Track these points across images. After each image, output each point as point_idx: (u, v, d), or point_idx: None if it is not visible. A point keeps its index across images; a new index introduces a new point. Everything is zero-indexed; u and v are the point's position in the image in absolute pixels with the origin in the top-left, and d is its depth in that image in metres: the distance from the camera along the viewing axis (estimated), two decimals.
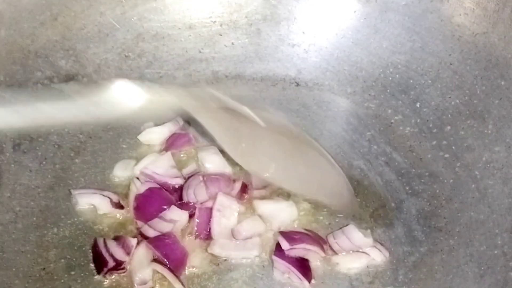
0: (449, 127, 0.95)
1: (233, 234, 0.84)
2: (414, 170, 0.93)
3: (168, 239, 0.83)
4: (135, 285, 0.80)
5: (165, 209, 0.86)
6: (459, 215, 0.87)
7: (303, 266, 0.82)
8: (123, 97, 0.74)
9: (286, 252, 0.82)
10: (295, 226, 0.86)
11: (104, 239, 0.83)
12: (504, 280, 0.78)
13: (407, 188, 0.91)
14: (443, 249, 0.84)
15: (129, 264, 0.82)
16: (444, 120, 0.96)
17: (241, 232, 0.84)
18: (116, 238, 0.84)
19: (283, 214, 0.87)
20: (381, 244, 0.84)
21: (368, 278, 0.82)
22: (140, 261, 0.82)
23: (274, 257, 0.82)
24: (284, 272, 0.81)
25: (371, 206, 0.89)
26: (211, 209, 0.86)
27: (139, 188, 0.88)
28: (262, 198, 0.89)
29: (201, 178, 0.89)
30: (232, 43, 1.07)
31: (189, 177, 0.90)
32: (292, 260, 0.82)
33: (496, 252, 0.81)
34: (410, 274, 0.82)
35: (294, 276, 0.81)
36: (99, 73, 1.02)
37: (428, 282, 0.81)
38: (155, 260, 0.82)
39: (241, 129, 0.82)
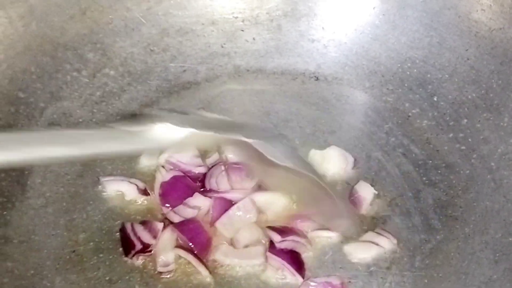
0: (465, 120, 0.97)
1: (233, 243, 0.85)
2: (431, 161, 0.96)
3: (193, 224, 0.86)
4: (158, 266, 0.83)
5: (189, 196, 0.89)
6: (474, 205, 0.89)
7: (296, 262, 0.83)
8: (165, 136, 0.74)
9: (277, 245, 0.83)
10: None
11: (132, 223, 0.86)
12: None
13: (424, 178, 0.94)
14: (459, 237, 0.86)
15: (155, 247, 0.85)
16: (461, 113, 0.98)
17: (240, 241, 0.85)
18: (143, 223, 0.87)
19: (275, 204, 0.89)
20: (388, 232, 0.87)
21: (385, 264, 0.84)
22: (165, 245, 0.84)
23: (269, 254, 0.83)
24: (278, 269, 0.83)
25: (388, 195, 0.92)
26: (229, 201, 0.88)
27: (164, 176, 0.91)
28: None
29: (223, 167, 0.92)
30: (254, 38, 1.10)
31: (212, 166, 0.93)
32: (286, 256, 0.83)
33: (510, 239, 0.83)
34: (426, 260, 0.84)
35: (288, 272, 0.83)
36: (125, 66, 1.05)
37: (444, 268, 0.83)
38: (179, 246, 0.85)
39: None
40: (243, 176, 0.91)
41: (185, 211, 0.88)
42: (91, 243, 0.86)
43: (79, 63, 1.02)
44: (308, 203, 0.88)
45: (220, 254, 0.84)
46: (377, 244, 0.85)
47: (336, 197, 0.83)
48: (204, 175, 0.92)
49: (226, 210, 0.87)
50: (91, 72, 1.03)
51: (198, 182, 0.92)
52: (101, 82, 1.03)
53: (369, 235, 0.86)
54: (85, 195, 0.91)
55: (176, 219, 0.87)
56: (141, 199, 0.90)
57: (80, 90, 1.01)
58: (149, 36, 1.07)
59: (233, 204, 0.87)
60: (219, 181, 0.91)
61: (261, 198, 0.89)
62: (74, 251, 0.85)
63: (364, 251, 0.85)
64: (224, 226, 0.86)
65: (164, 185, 0.91)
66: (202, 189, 0.91)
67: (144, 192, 0.90)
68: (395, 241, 0.86)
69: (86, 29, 1.03)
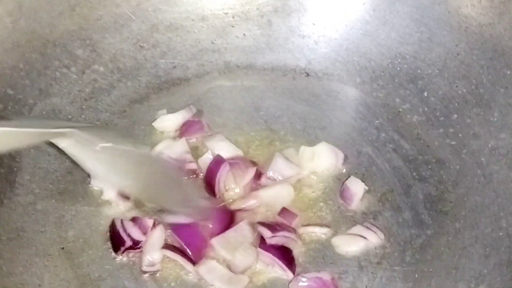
0: (455, 115, 0.97)
1: (230, 268, 0.83)
2: (421, 156, 0.96)
3: (191, 229, 0.85)
4: (143, 265, 0.82)
5: None
6: (465, 200, 0.89)
7: (286, 257, 0.83)
8: None
9: (268, 241, 0.83)
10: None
11: (122, 220, 0.86)
12: (508, 260, 0.80)
13: (414, 174, 0.94)
14: (449, 232, 0.86)
15: (143, 245, 0.84)
16: (451, 109, 0.98)
17: (238, 265, 0.83)
18: (133, 219, 0.86)
19: (282, 195, 0.89)
20: (376, 227, 0.87)
21: (375, 259, 0.84)
22: (153, 244, 0.84)
23: (259, 249, 0.83)
24: (269, 264, 0.83)
25: (379, 191, 0.92)
26: (231, 213, 0.88)
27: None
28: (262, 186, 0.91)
29: (228, 167, 0.90)
30: (244, 34, 1.10)
31: (212, 168, 0.91)
32: (276, 252, 0.83)
33: (501, 234, 0.83)
34: (417, 255, 0.84)
35: (278, 267, 0.82)
36: (114, 62, 1.05)
37: (435, 263, 0.83)
38: (167, 246, 0.84)
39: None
40: (244, 170, 0.91)
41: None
42: (80, 240, 0.86)
43: (68, 59, 1.02)
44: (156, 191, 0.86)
45: (204, 269, 0.82)
46: (364, 238, 0.85)
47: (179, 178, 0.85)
48: (209, 178, 0.91)
49: (226, 224, 0.86)
50: (80, 68, 1.02)
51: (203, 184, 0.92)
52: (90, 78, 1.03)
53: (358, 229, 0.86)
54: (74, 192, 0.91)
55: (172, 219, 0.86)
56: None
57: (69, 86, 1.01)
58: (139, 32, 1.07)
59: (234, 216, 0.87)
60: (228, 182, 0.90)
61: (267, 193, 0.89)
62: (63, 248, 0.85)
63: (351, 244, 0.85)
64: (220, 244, 0.84)
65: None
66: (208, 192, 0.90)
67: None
68: (382, 236, 0.86)
69: (75, 25, 1.03)
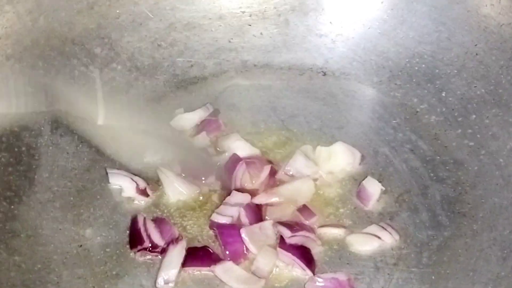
0: (474, 116, 0.97)
1: (255, 273, 0.82)
2: (439, 157, 0.95)
3: (232, 230, 0.85)
4: (157, 282, 0.81)
5: None
6: (483, 201, 0.89)
7: (306, 257, 0.83)
8: None
9: (288, 240, 0.83)
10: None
11: (145, 218, 0.86)
12: None
13: (431, 174, 0.93)
14: (467, 233, 0.86)
15: (161, 260, 0.83)
16: (469, 109, 0.97)
17: (261, 269, 0.82)
18: (156, 220, 0.86)
19: (303, 189, 0.89)
20: (392, 227, 0.86)
21: (392, 260, 0.84)
22: (171, 261, 0.82)
23: (279, 249, 0.83)
24: (288, 264, 0.83)
25: (396, 191, 0.91)
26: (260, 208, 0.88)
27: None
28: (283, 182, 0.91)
29: (244, 166, 0.91)
30: (261, 33, 1.10)
31: (229, 166, 0.92)
32: (296, 251, 0.83)
33: None
34: (434, 257, 0.84)
35: (298, 267, 0.82)
36: (132, 61, 1.06)
37: (452, 265, 0.83)
38: (186, 264, 0.82)
39: None
40: (260, 168, 0.91)
41: (228, 211, 0.87)
42: (98, 238, 0.87)
43: (87, 58, 1.02)
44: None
45: (220, 270, 0.82)
46: (379, 238, 0.85)
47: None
48: (226, 176, 0.91)
49: (256, 220, 0.86)
50: (99, 66, 1.03)
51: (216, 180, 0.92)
52: (109, 77, 1.03)
53: (373, 228, 0.86)
54: (92, 190, 0.92)
55: (220, 219, 0.86)
56: (138, 199, 0.90)
57: (88, 85, 1.01)
58: (157, 30, 1.07)
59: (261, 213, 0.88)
60: (244, 180, 0.91)
61: (288, 188, 0.90)
62: (81, 246, 0.86)
63: (365, 244, 0.85)
64: (247, 236, 0.84)
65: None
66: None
67: (143, 192, 0.90)
68: (397, 237, 0.85)
69: (93, 23, 1.03)
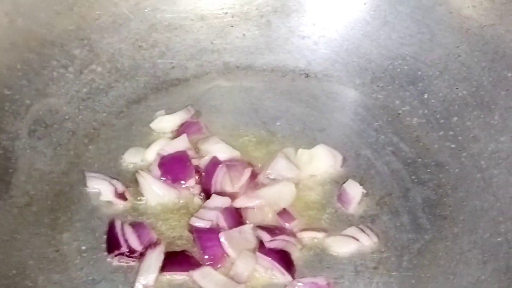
0: (456, 118, 0.96)
1: (234, 278, 0.81)
2: (420, 159, 0.95)
3: (211, 234, 0.83)
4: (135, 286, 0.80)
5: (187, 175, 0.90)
6: (464, 204, 0.88)
7: (285, 261, 0.82)
8: None
9: (267, 245, 0.82)
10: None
11: (122, 223, 0.85)
12: (506, 266, 0.79)
13: (413, 177, 0.92)
14: (448, 237, 0.85)
15: (139, 265, 0.82)
16: (451, 111, 0.97)
17: (240, 274, 0.81)
18: (134, 224, 0.85)
19: (284, 193, 0.89)
20: (370, 230, 0.85)
21: (372, 264, 0.83)
22: (149, 265, 0.81)
23: (258, 253, 0.82)
24: (268, 269, 0.82)
25: (377, 194, 0.90)
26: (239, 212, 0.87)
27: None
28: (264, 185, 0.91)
29: (224, 169, 0.90)
30: (243, 35, 1.09)
31: (208, 170, 0.91)
32: (275, 256, 0.82)
33: (499, 239, 0.82)
34: (414, 260, 0.83)
35: (277, 271, 0.81)
36: (112, 62, 1.05)
37: (432, 268, 0.82)
38: (164, 269, 0.81)
39: None
40: (240, 171, 0.90)
41: (207, 214, 0.86)
42: (75, 242, 0.85)
43: (66, 59, 1.01)
44: None
45: (199, 275, 0.80)
46: (357, 240, 0.84)
47: None
48: (205, 180, 0.90)
49: (235, 224, 0.85)
50: (78, 68, 1.02)
51: (196, 183, 0.91)
52: (88, 78, 1.02)
53: (351, 230, 0.86)
54: (70, 194, 0.90)
55: (198, 224, 0.85)
56: (116, 202, 0.89)
57: (67, 86, 1.00)
58: (137, 31, 1.06)
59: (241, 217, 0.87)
60: (224, 184, 0.90)
61: (269, 191, 0.89)
62: (57, 250, 0.84)
63: (343, 246, 0.84)
64: (227, 240, 0.83)
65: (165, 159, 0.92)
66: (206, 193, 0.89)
67: (121, 196, 0.89)
68: (375, 239, 0.85)
69: (73, 25, 1.02)
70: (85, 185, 0.91)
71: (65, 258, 0.84)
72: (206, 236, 0.84)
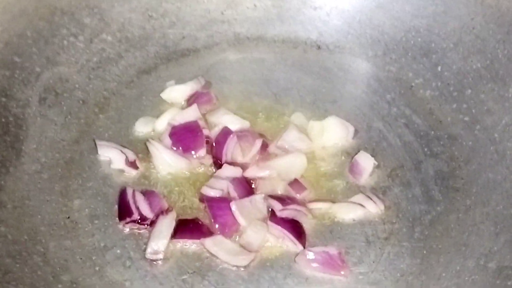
0: (469, 91, 0.95)
1: (245, 247, 0.81)
2: (433, 132, 0.94)
3: (222, 203, 0.83)
4: (147, 252, 0.80)
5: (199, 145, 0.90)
6: (476, 176, 0.88)
7: (297, 230, 0.82)
8: None
9: (279, 214, 0.82)
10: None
11: (134, 190, 0.85)
12: None
13: (425, 149, 0.92)
14: (460, 209, 0.85)
15: (150, 231, 0.82)
16: (465, 84, 0.96)
17: (251, 243, 0.81)
18: (146, 193, 0.85)
19: (295, 164, 0.88)
20: (377, 197, 0.85)
21: (383, 234, 0.83)
22: (160, 231, 0.81)
23: (269, 222, 0.82)
24: (279, 238, 0.82)
25: (389, 166, 0.90)
26: (249, 182, 0.87)
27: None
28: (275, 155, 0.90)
29: (235, 139, 0.89)
30: (255, 5, 1.08)
31: (219, 139, 0.90)
32: (286, 225, 0.82)
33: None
34: (426, 232, 0.83)
35: (288, 240, 0.81)
36: (123, 32, 1.03)
37: (444, 239, 0.82)
38: (176, 236, 0.81)
39: None
40: (251, 141, 0.90)
41: (218, 184, 0.85)
42: (86, 210, 0.85)
43: (76, 28, 1.00)
44: None
45: (210, 242, 0.80)
46: (363, 207, 0.84)
47: None
48: (216, 150, 0.90)
49: (246, 194, 0.85)
50: (88, 37, 1.01)
51: (207, 153, 0.91)
52: (98, 47, 1.01)
53: (358, 197, 0.86)
54: (81, 162, 0.90)
55: (211, 193, 0.85)
56: (127, 170, 0.89)
57: (77, 55, 0.99)
58: (148, 1, 1.05)
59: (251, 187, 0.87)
60: (235, 154, 0.89)
61: (281, 162, 0.88)
62: (68, 217, 0.84)
63: (350, 212, 0.84)
64: (238, 209, 0.83)
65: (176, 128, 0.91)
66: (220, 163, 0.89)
67: (132, 165, 0.89)
68: (382, 206, 0.85)
69: None
70: (96, 153, 0.90)
71: (76, 225, 0.84)
72: (217, 205, 0.84)
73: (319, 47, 1.06)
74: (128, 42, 1.03)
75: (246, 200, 0.84)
